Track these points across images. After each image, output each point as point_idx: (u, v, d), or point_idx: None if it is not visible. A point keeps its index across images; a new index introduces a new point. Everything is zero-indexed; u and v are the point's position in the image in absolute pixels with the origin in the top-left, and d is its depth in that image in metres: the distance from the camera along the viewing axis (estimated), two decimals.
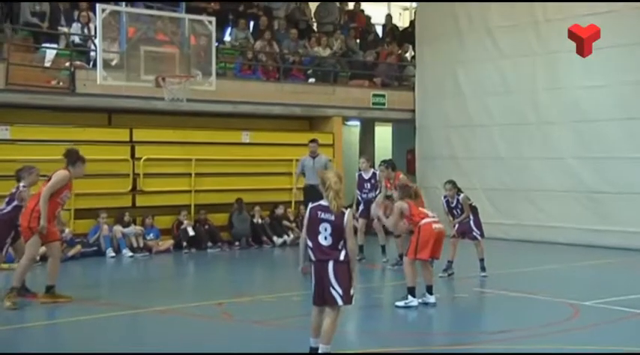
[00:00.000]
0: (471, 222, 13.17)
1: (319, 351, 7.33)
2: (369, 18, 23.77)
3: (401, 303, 10.46)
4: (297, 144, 18.83)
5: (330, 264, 7.20)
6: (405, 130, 21.99)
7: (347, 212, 7.31)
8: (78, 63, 16.41)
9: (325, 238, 7.27)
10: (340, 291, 7.18)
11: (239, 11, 20.33)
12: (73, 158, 10.96)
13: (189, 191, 17.50)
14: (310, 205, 7.55)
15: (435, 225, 10.59)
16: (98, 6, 13.84)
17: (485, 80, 19.59)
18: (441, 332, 9.59)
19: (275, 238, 17.81)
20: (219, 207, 17.89)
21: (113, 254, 15.70)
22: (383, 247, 14.79)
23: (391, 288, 12.68)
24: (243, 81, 18.70)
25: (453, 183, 13.41)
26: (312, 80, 20.33)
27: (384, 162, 14.60)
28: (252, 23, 20.46)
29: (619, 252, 16.07)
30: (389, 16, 24.07)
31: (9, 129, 15.73)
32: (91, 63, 16.33)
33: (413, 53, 22.56)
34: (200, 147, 17.89)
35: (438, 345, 8.55)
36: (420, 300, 10.55)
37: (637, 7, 16.60)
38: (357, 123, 22.79)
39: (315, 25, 22.49)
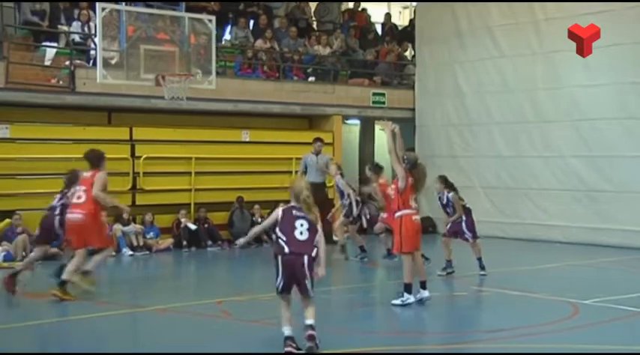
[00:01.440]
0: (463, 223, 13.10)
1: (309, 323, 7.87)
2: (369, 17, 23.77)
3: (397, 301, 10.45)
4: (297, 143, 18.86)
5: (306, 258, 7.80)
6: (405, 129, 21.88)
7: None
8: (78, 61, 16.42)
9: (301, 233, 7.88)
10: (311, 284, 7.92)
11: (239, 10, 20.35)
12: (102, 159, 11.57)
13: (189, 189, 17.51)
14: (283, 207, 8.11)
15: (414, 217, 10.55)
16: (98, 5, 13.84)
17: (485, 79, 19.60)
18: (440, 331, 9.59)
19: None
20: (219, 205, 17.90)
21: (113, 252, 15.69)
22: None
23: (392, 286, 12.70)
24: (243, 79, 18.71)
25: (442, 178, 13.35)
26: (312, 79, 20.33)
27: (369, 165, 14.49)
28: (252, 22, 20.46)
29: (619, 251, 16.08)
30: (388, 15, 24.06)
31: (9, 128, 15.73)
32: (91, 61, 16.34)
33: (413, 52, 22.56)
34: (200, 146, 17.89)
35: (436, 344, 8.56)
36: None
37: (637, 5, 16.60)
38: (357, 122, 22.78)
39: (315, 23, 22.49)
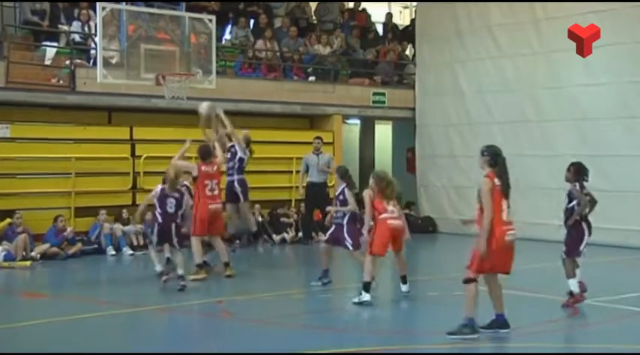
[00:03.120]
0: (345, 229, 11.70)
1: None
2: (369, 16, 23.77)
3: (356, 300, 10.50)
4: (297, 143, 18.86)
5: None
6: (405, 128, 21.99)
7: None
8: (78, 61, 16.42)
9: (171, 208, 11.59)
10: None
11: (239, 9, 20.34)
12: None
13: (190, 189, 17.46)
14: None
15: (389, 221, 10.60)
16: (98, 4, 13.84)
17: (485, 78, 19.59)
18: (439, 330, 9.57)
19: (274, 236, 17.84)
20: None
21: (113, 252, 15.71)
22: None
23: (391, 287, 12.70)
24: (243, 79, 18.71)
25: (338, 169, 12.46)
26: (312, 78, 20.32)
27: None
28: (252, 21, 20.46)
29: (619, 251, 16.06)
30: (389, 15, 24.05)
31: (9, 128, 15.72)
32: (91, 61, 16.34)
33: (413, 51, 22.55)
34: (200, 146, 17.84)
35: (434, 344, 8.55)
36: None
37: (637, 5, 16.59)
38: (357, 121, 22.79)
39: (315, 23, 22.49)
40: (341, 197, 11.72)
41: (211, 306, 10.69)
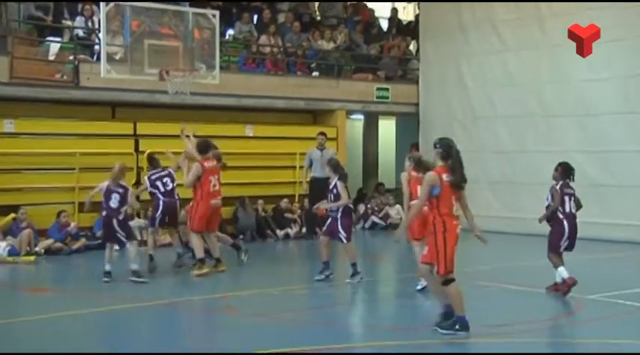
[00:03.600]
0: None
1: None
2: (372, 11, 23.73)
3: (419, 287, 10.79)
4: (300, 138, 18.86)
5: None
6: (409, 124, 21.97)
7: None
8: (82, 56, 16.43)
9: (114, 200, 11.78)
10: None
11: (243, 5, 20.32)
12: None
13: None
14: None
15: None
16: None
17: (489, 73, 19.57)
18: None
19: (278, 231, 17.85)
20: (223, 200, 17.84)
21: (117, 247, 15.69)
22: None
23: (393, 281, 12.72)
24: (246, 74, 18.69)
25: (329, 161, 12.56)
26: (315, 74, 20.31)
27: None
28: (255, 17, 20.45)
29: (623, 246, 16.06)
30: (395, 10, 23.98)
31: (13, 123, 15.75)
32: (95, 56, 16.33)
33: (416, 46, 22.53)
34: None
35: (437, 340, 8.55)
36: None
37: None
38: (361, 116, 22.78)
39: (318, 18, 22.47)
40: (334, 191, 11.80)
41: (216, 301, 10.71)
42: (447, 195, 8.47)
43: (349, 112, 21.06)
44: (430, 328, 8.63)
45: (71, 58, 16.31)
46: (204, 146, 12.85)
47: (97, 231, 15.79)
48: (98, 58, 15.25)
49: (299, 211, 18.43)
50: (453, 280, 8.51)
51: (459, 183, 8.57)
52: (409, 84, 21.56)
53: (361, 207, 20.63)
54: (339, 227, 11.70)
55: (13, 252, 14.28)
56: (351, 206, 12.26)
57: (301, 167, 18.16)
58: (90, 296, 11.10)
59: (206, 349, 8.25)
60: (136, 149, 16.99)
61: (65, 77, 16.22)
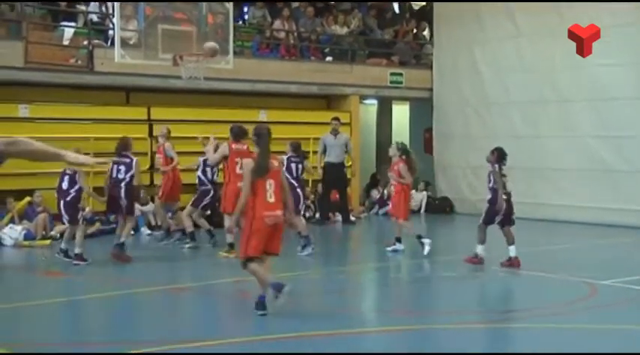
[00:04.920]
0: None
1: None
2: None
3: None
4: (314, 123, 18.85)
5: None
6: (423, 109, 21.92)
7: None
8: (96, 41, 16.47)
9: None
10: None
11: None
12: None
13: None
14: None
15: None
16: None
17: (503, 58, 19.47)
18: (455, 310, 9.60)
19: None
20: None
21: (132, 232, 15.76)
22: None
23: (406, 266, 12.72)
24: (260, 59, 18.68)
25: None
26: (329, 58, 20.28)
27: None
28: (269, 1, 20.40)
29: (637, 231, 16.01)
30: None
31: (28, 108, 15.81)
32: (109, 41, 16.36)
33: (431, 32, 22.44)
34: (217, 126, 17.81)
35: (451, 323, 8.57)
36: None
37: None
38: (375, 101, 22.73)
39: (332, 3, 22.39)
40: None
41: (228, 286, 10.73)
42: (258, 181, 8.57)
43: (363, 97, 21.02)
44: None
45: (85, 42, 16.35)
46: (238, 132, 12.81)
47: (111, 216, 15.89)
48: (112, 43, 15.30)
49: (312, 196, 18.44)
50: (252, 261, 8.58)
51: (260, 169, 8.67)
52: (423, 69, 21.50)
53: (375, 193, 20.61)
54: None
55: (29, 236, 14.38)
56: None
57: (315, 152, 18.16)
58: (102, 280, 11.16)
59: (218, 335, 8.29)
60: (150, 134, 17.03)
61: (79, 62, 16.27)
